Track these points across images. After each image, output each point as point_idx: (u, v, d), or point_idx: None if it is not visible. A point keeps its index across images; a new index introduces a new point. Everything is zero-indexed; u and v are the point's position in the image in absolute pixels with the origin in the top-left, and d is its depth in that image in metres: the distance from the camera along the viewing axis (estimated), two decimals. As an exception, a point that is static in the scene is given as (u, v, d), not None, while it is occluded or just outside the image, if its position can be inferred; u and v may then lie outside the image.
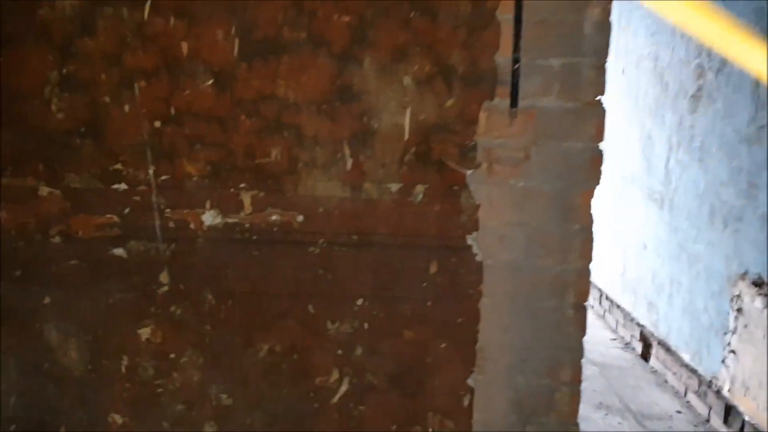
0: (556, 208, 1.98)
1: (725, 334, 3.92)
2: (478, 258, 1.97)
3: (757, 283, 3.61)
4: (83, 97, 1.88)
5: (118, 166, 1.91)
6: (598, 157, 1.97)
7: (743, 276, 3.77)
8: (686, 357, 4.38)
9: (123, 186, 1.91)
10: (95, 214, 1.93)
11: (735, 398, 3.78)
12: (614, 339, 5.39)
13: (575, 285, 2.02)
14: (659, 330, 4.77)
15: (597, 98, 1.94)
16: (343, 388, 1.99)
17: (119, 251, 1.94)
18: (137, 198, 1.92)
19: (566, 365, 2.04)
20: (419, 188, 1.93)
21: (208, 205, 1.92)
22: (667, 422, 4.09)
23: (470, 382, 2.02)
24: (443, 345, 2.00)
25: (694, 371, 4.27)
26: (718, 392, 3.96)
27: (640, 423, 4.05)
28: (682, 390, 4.38)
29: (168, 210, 1.93)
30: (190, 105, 1.88)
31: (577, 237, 2.00)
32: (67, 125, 1.89)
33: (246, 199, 1.92)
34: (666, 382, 4.58)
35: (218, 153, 1.90)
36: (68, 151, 1.90)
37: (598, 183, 1.99)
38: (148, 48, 1.85)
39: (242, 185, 1.92)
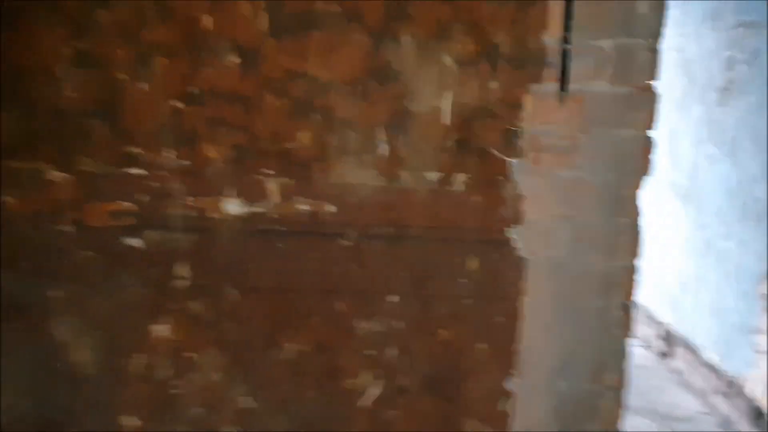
0: (604, 200, 1.84)
1: (754, 334, 3.78)
2: (521, 254, 1.83)
3: (792, 283, 3.46)
4: (97, 75, 1.73)
5: (135, 149, 1.76)
6: (649, 146, 1.84)
7: (776, 275, 3.62)
8: (712, 357, 4.24)
9: (140, 171, 1.77)
10: (109, 201, 1.79)
11: (762, 400, 3.64)
12: (635, 337, 5.25)
13: (622, 284, 1.88)
14: (683, 329, 4.63)
15: (650, 83, 1.80)
16: (374, 391, 1.86)
17: (135, 241, 1.80)
18: (155, 184, 1.78)
19: (611, 369, 1.90)
20: (459, 177, 1.79)
21: (230, 193, 1.78)
22: (691, 423, 3.96)
23: (509, 386, 1.88)
24: (481, 346, 1.86)
25: (719, 372, 4.13)
26: (745, 394, 3.82)
27: (665, 424, 3.91)
28: (706, 391, 4.24)
29: (188, 198, 1.79)
30: (213, 84, 1.73)
31: (625, 232, 1.86)
32: (79, 105, 1.75)
33: (272, 187, 1.78)
34: (689, 382, 4.45)
35: (243, 136, 1.76)
36: (81, 133, 1.75)
37: (648, 174, 1.85)
38: (169, 22, 1.71)
39: (268, 172, 1.78)
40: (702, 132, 4.52)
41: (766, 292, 3.65)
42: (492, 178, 1.80)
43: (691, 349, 4.49)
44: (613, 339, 1.89)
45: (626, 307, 1.88)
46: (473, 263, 1.83)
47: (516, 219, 1.82)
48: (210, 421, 1.87)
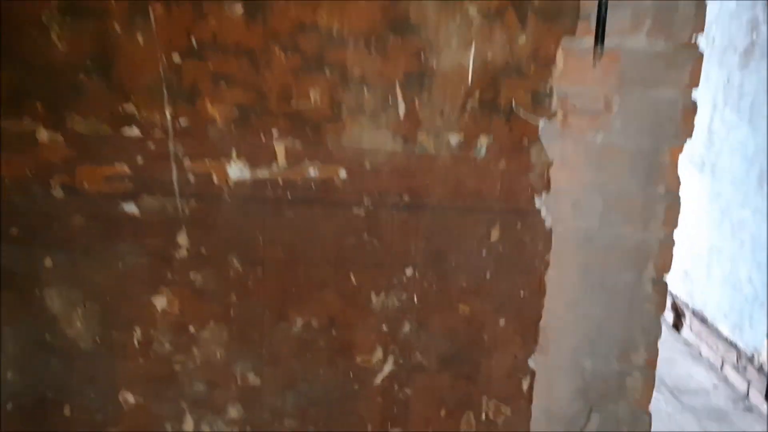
0: (639, 167, 1.70)
1: (771, 306, 3.67)
2: (547, 224, 1.70)
3: (814, 254, 3.34)
4: (89, 26, 1.58)
5: (130, 107, 1.62)
6: (691, 108, 1.69)
7: (796, 246, 3.49)
8: (725, 329, 4.14)
9: (136, 131, 1.63)
10: (103, 164, 1.65)
11: (781, 375, 3.55)
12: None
13: (656, 256, 1.75)
14: (694, 300, 4.53)
15: (694, 38, 1.65)
16: (388, 368, 1.74)
17: (131, 208, 1.67)
18: (152, 146, 1.64)
19: (640, 347, 1.79)
20: (483, 141, 1.65)
21: (234, 155, 1.64)
22: (703, 397, 3.88)
23: (531, 363, 1.77)
24: (502, 322, 1.74)
25: (733, 344, 4.04)
26: (760, 367, 3.73)
27: (675, 397, 3.83)
28: (718, 363, 4.16)
29: (188, 160, 1.65)
30: (215, 36, 1.58)
31: (661, 202, 1.72)
32: (70, 59, 1.60)
33: (279, 150, 1.64)
34: (701, 354, 4.36)
35: (248, 94, 1.61)
36: (72, 89, 1.61)
37: (689, 138, 1.71)
38: (166, -33, 1.55)
39: (275, 133, 1.63)
40: (720, 97, 4.35)
41: (785, 264, 3.54)
42: (518, 143, 1.66)
43: (703, 320, 4.39)
44: (643, 316, 1.77)
45: (659, 282, 1.76)
46: (496, 234, 1.71)
47: (543, 187, 1.68)
48: (213, 399, 1.76)
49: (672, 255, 1.75)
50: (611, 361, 1.78)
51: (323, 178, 1.65)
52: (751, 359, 3.82)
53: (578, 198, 1.70)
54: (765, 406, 3.63)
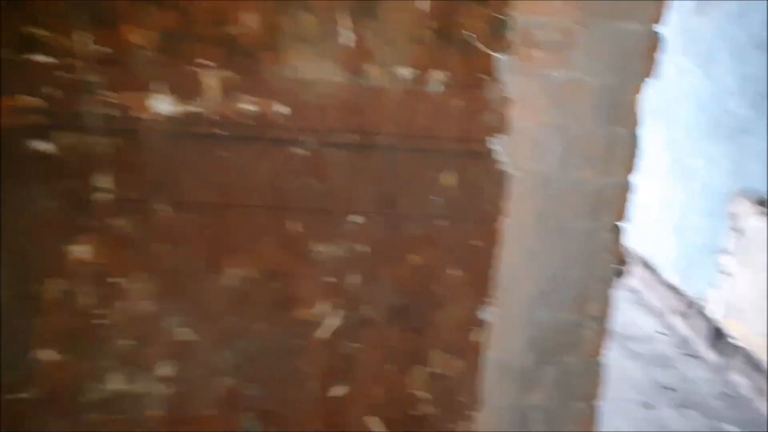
0: (601, 106, 1.59)
1: (718, 254, 3.69)
2: (504, 168, 1.59)
3: (762, 202, 3.35)
4: (-14, -68, 1.36)
5: (39, 31, 1.42)
6: (655, 43, 1.58)
7: (745, 193, 3.50)
8: (671, 277, 4.17)
9: (47, 58, 1.43)
10: (9, 95, 1.45)
11: (725, 321, 3.59)
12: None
13: (614, 202, 1.66)
14: (641, 248, 4.55)
15: (663, -33, 1.52)
16: (333, 322, 1.63)
17: (43, 145, 1.48)
18: (65, 75, 1.44)
19: (595, 297, 1.71)
20: (438, 75, 1.51)
21: (160, 87, 1.46)
22: (649, 344, 3.92)
23: (484, 315, 1.67)
24: (455, 272, 1.64)
25: (678, 292, 4.07)
26: (705, 315, 3.77)
27: (622, 344, 3.86)
28: (664, 311, 4.20)
29: (108, 93, 1.46)
30: (135, -51, 1.38)
31: (621, 143, 1.63)
32: (-36, -29, 1.38)
33: (210, 81, 1.47)
34: (648, 302, 4.40)
35: (174, 18, 1.43)
36: (-32, 7, 1.39)
37: (651, 76, 1.60)
38: None
39: (206, 63, 1.46)
40: (674, 43, 4.28)
41: (735, 212, 3.54)
42: (475, 77, 1.52)
43: (650, 268, 4.42)
44: (599, 264, 1.69)
45: (616, 228, 1.67)
46: (450, 178, 1.58)
47: (501, 127, 1.56)
48: (142, 356, 1.61)
49: (629, 201, 1.67)
50: (566, 312, 1.70)
51: (260, 113, 1.49)
52: (696, 307, 3.86)
53: (538, 139, 1.58)
54: (708, 352, 3.68)
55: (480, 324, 1.68)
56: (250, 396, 1.66)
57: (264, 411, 1.67)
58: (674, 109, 4.25)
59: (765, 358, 3.24)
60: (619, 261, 1.70)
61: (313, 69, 1.47)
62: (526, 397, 1.74)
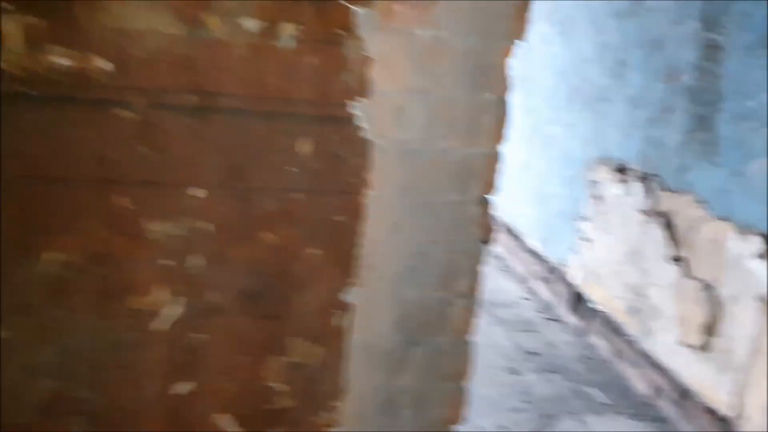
0: (467, 70, 1.48)
1: (578, 221, 3.79)
2: (367, 135, 1.44)
3: (619, 169, 3.44)
4: None
5: None
6: (524, 3, 1.48)
7: (603, 161, 3.59)
8: (533, 243, 4.25)
9: None
10: None
11: (585, 286, 3.70)
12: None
13: (482, 174, 1.57)
14: (504, 214, 4.61)
15: None
16: (173, 311, 1.42)
17: None
18: None
19: (464, 273, 1.62)
20: (288, 29, 1.32)
21: (-55, 35, 1.18)
22: (513, 309, 3.97)
23: (347, 297, 1.53)
24: (314, 251, 1.48)
25: (541, 258, 4.16)
26: (566, 280, 3.87)
27: (487, 310, 3.88)
28: (527, 276, 4.28)
29: None
30: None
31: (489, 111, 1.53)
32: None
33: (13, 29, 1.21)
34: (510, 267, 4.47)
35: (-42, -53, 1.15)
36: None
37: (520, 38, 1.51)
38: None
39: (5, 6, 1.19)
40: (537, 10, 4.31)
41: (593, 180, 3.63)
42: (331, 33, 1.35)
43: (513, 234, 4.49)
44: (467, 238, 1.60)
45: (485, 201, 1.58)
46: (306, 146, 1.41)
47: (362, 90, 1.40)
48: (-61, 360, 1.34)
49: (498, 172, 1.58)
50: (433, 290, 1.60)
51: (77, 68, 1.24)
52: (558, 272, 3.96)
53: (401, 105, 1.45)
54: (569, 316, 3.79)
55: (343, 306, 1.54)
56: (78, 398, 1.43)
57: (96, 414, 1.45)
58: (535, 77, 4.29)
59: (622, 321, 3.36)
60: (487, 235, 1.62)
61: (141, 17, 1.25)
62: (393, 381, 1.63)
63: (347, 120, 1.42)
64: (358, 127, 1.43)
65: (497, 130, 1.54)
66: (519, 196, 4.46)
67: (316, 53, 1.36)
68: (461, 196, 1.57)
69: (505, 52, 1.49)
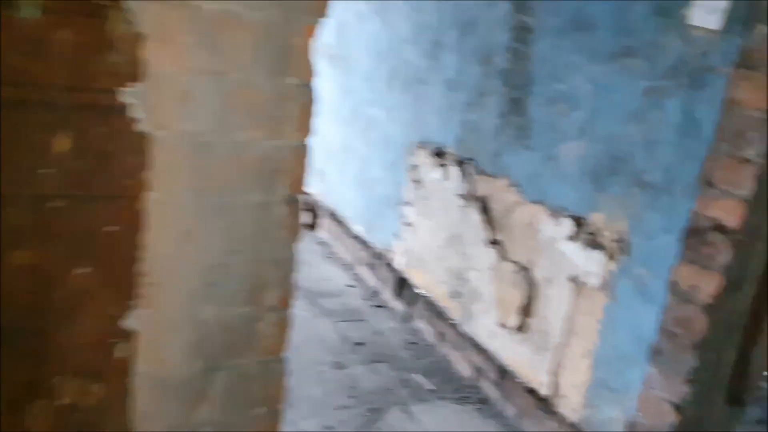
0: (266, 50, 1.27)
1: (401, 205, 3.72)
2: (143, 127, 1.18)
3: (438, 153, 3.40)
4: None
5: None
6: (329, -28, 1.30)
7: (423, 145, 3.53)
8: (358, 228, 4.15)
9: None
10: None
11: (409, 271, 3.65)
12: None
13: (289, 170, 1.37)
14: (329, 199, 4.46)
15: None
16: None
17: None
18: None
19: (273, 284, 1.42)
20: (28, -5, 1.04)
21: None
22: (339, 298, 3.85)
23: (129, 322, 1.28)
24: (82, 271, 1.21)
25: (366, 243, 4.06)
26: (391, 265, 3.81)
27: (313, 301, 3.73)
28: (353, 263, 4.17)
29: None
30: None
31: (294, 98, 1.33)
32: None
33: None
34: (336, 255, 4.34)
35: None
36: None
37: (323, 16, 1.32)
38: None
39: None
40: (352, -12, 4.17)
41: (414, 163, 3.56)
42: (89, 2, 1.08)
43: (337, 220, 4.35)
44: (275, 244, 1.40)
45: (293, 201, 1.39)
46: (65, 141, 1.13)
47: (134, 73, 1.15)
48: None
49: (307, 167, 1.39)
50: (237, 306, 1.39)
51: None
52: (382, 258, 3.88)
53: (187, 89, 1.21)
54: (395, 302, 3.73)
55: (124, 335, 1.28)
56: None
57: None
58: (354, 57, 4.15)
59: (445, 305, 3.34)
60: (296, 238, 1.43)
61: None
62: (192, 414, 1.40)
63: (116, 109, 1.15)
64: (131, 118, 1.17)
65: (303, 120, 1.35)
66: (342, 180, 4.32)
67: (69, 27, 1.08)
68: (266, 196, 1.36)
69: (308, 31, 1.30)
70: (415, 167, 3.58)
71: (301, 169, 1.39)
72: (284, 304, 1.44)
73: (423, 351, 3.37)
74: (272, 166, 1.34)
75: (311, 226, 4.64)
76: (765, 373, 2.36)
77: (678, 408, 2.06)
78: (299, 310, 3.60)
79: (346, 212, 4.27)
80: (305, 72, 1.32)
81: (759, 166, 1.85)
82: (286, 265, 1.42)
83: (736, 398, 2.09)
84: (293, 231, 1.41)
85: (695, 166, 2.07)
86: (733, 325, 2.00)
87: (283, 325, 1.45)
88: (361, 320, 3.60)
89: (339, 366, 3.16)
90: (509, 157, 2.93)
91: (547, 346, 2.71)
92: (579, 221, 2.56)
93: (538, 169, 2.77)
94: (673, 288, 2.09)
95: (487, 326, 3.05)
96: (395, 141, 3.77)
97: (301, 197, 1.40)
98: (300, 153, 1.37)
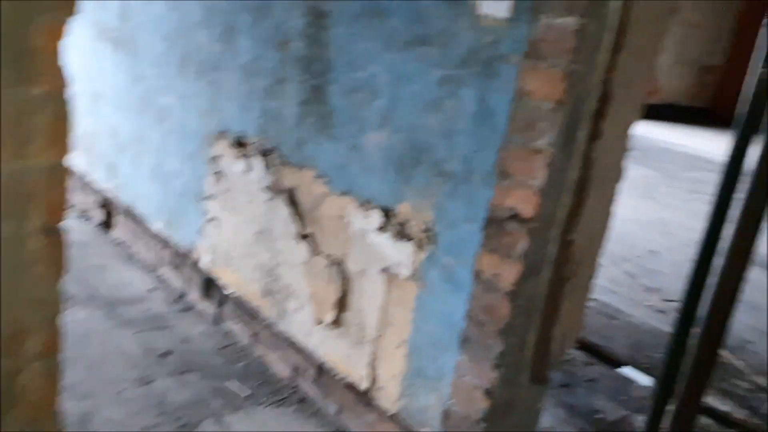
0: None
1: (203, 199, 3.49)
2: None
3: (239, 143, 3.22)
4: None
5: None
6: (77, -37, 1.09)
7: (222, 134, 3.33)
8: (157, 226, 3.85)
9: None
10: None
11: (215, 270, 3.45)
12: (69, 207, 4.51)
13: (43, 195, 1.16)
14: (123, 196, 4.10)
15: None
16: None
17: None
18: None
19: (36, 329, 1.20)
20: None
21: None
22: (141, 305, 3.55)
23: None
24: None
25: (167, 242, 3.78)
26: (196, 264, 3.58)
27: (110, 311, 3.41)
28: (155, 264, 3.87)
29: None
30: None
31: (41, 111, 1.11)
32: None
33: None
34: (135, 256, 4.01)
35: None
36: None
37: (71, 12, 1.12)
38: None
39: None
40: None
41: (214, 155, 3.34)
42: None
43: (134, 218, 4.01)
44: (34, 282, 1.18)
45: (52, 230, 1.18)
46: None
47: None
48: None
49: (67, 190, 1.18)
50: (-10, 361, 1.15)
51: None
52: (186, 257, 3.63)
53: None
54: (203, 304, 3.51)
55: None
56: None
57: None
58: (141, 41, 3.81)
59: (258, 304, 3.19)
60: (60, 272, 1.21)
61: None
62: (-61, 499, 1.15)
63: None
64: None
65: (57, 136, 1.14)
66: (136, 174, 3.98)
67: None
68: (16, 228, 1.14)
69: (54, 32, 1.08)
70: (215, 158, 3.36)
71: (59, 193, 1.17)
72: (51, 349, 1.23)
73: (237, 355, 3.20)
74: (20, 192, 1.12)
75: (106, 225, 4.24)
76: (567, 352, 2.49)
77: (488, 393, 2.10)
78: (94, 323, 3.27)
79: (143, 209, 3.94)
80: (55, 79, 1.11)
81: (549, 155, 1.90)
82: (49, 305, 1.21)
83: (540, 377, 2.17)
84: (55, 265, 1.19)
85: (492, 155, 2.10)
86: (533, 309, 2.07)
87: (51, 374, 1.24)
88: (167, 327, 3.35)
89: (143, 381, 2.91)
90: (313, 147, 2.83)
91: (364, 340, 2.67)
92: (387, 212, 2.52)
93: (344, 159, 2.70)
94: (478, 277, 2.12)
95: (303, 323, 2.96)
96: (192, 131, 3.52)
97: (62, 226, 1.19)
98: (56, 174, 1.16)
